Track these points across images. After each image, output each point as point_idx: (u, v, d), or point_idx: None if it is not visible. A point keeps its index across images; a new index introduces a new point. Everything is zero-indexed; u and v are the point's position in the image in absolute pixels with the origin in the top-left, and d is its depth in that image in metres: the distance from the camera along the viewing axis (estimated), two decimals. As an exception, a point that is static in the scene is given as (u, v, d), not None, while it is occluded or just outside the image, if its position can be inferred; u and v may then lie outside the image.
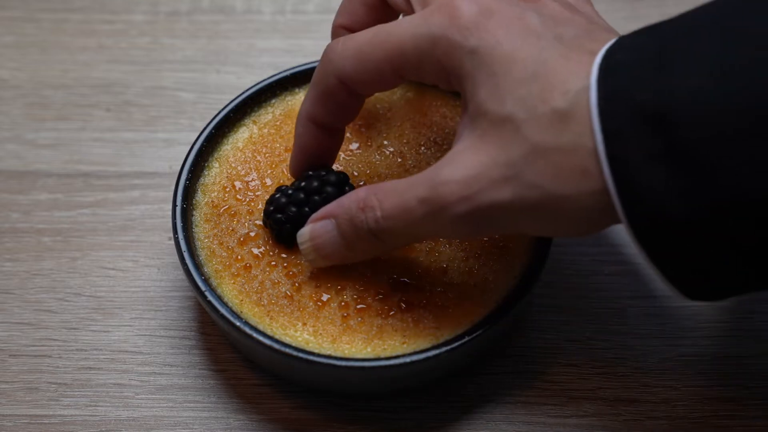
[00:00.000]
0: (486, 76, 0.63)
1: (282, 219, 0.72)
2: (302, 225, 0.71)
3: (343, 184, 0.72)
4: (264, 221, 0.74)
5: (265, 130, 0.80)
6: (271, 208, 0.72)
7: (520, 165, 0.61)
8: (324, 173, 0.72)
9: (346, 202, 0.68)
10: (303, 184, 0.72)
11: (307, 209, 0.71)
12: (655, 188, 0.57)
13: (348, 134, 0.79)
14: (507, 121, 0.62)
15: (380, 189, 0.67)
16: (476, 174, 0.62)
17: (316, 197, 0.71)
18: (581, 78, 0.60)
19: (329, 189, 0.71)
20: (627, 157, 0.58)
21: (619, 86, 0.59)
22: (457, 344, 0.68)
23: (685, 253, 0.58)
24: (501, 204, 0.62)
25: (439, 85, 0.67)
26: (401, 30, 0.66)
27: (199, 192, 0.76)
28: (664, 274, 0.60)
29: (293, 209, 0.71)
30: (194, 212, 0.75)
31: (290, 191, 0.72)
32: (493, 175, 0.62)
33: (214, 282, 0.72)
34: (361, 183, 0.76)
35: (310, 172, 0.72)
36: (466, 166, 0.63)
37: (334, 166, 0.77)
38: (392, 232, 0.66)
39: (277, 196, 0.72)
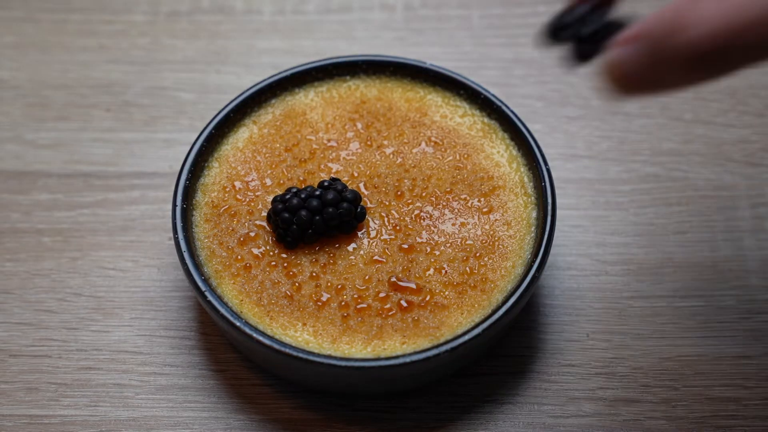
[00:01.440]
0: None
1: (291, 219, 0.72)
2: (311, 230, 0.72)
3: (357, 202, 0.73)
4: (268, 217, 0.74)
5: (265, 130, 0.80)
6: (280, 206, 0.72)
7: None
8: (341, 188, 0.73)
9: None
10: (318, 192, 0.72)
11: (318, 218, 0.71)
12: None
13: (348, 134, 0.79)
14: None
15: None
16: None
17: (331, 209, 0.72)
18: None
19: (345, 205, 0.72)
20: None
21: None
22: (457, 344, 0.68)
23: None
24: None
25: None
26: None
27: (199, 192, 0.76)
28: None
29: (304, 213, 0.71)
30: (194, 212, 0.75)
31: (303, 195, 0.72)
32: None
33: (214, 282, 0.72)
34: (361, 183, 0.76)
35: (326, 183, 0.73)
36: None
37: (335, 167, 0.77)
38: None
39: (288, 196, 0.72)
